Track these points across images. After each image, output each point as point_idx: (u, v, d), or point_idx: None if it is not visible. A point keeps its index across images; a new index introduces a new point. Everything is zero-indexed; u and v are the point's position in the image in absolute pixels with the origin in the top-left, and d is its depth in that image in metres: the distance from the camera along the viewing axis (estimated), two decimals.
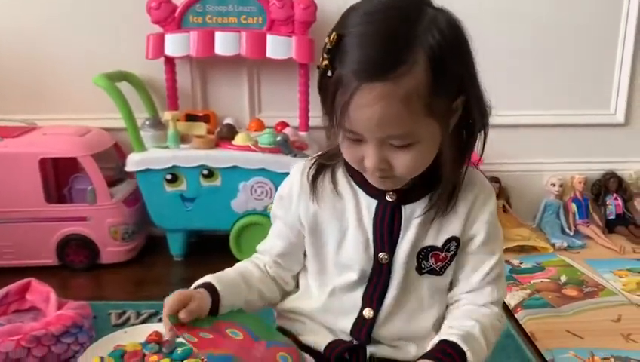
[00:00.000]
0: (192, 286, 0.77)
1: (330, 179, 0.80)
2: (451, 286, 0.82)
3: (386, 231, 0.77)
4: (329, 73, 0.65)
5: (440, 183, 0.75)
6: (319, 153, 0.82)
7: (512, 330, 1.29)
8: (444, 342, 0.73)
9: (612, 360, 1.17)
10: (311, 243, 0.82)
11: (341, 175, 0.80)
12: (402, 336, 0.81)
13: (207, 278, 0.78)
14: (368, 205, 0.78)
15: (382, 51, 0.62)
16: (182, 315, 0.70)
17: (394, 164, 0.69)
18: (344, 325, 0.81)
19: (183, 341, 0.75)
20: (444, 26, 0.65)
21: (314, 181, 0.80)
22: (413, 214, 0.77)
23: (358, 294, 0.80)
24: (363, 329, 0.80)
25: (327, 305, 0.82)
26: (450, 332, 0.75)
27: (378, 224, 0.77)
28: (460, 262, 0.80)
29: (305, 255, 0.85)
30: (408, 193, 0.76)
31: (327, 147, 0.80)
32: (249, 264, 0.86)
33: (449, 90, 0.67)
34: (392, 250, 0.77)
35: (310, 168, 0.81)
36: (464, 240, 0.79)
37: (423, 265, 0.78)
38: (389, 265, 0.78)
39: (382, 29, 0.63)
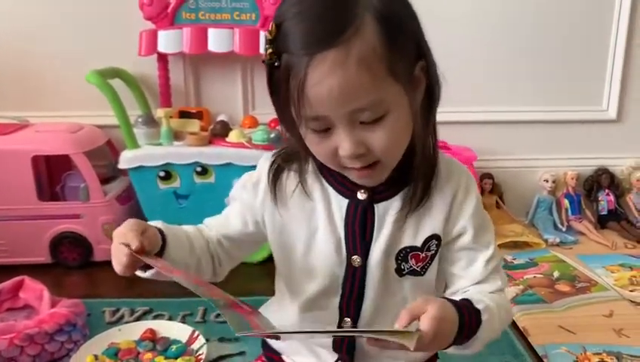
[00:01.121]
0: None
1: (298, 178, 0.74)
2: (448, 283, 0.78)
3: (357, 232, 0.72)
4: (276, 63, 0.61)
5: (410, 171, 0.70)
6: (277, 151, 0.77)
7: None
8: (467, 301, 0.68)
9: (604, 354, 1.18)
10: (277, 245, 0.78)
11: (310, 173, 0.74)
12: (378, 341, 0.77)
13: (158, 224, 0.72)
14: (339, 205, 0.73)
15: (323, 19, 0.59)
16: (144, 241, 0.64)
17: (371, 145, 0.63)
18: (324, 341, 0.77)
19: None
20: None
21: (274, 184, 0.75)
22: (387, 212, 0.72)
23: (333, 304, 0.76)
24: (344, 342, 0.76)
25: (302, 320, 0.77)
26: (474, 298, 0.70)
27: (350, 224, 0.73)
28: (452, 258, 0.75)
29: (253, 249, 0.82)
30: (381, 190, 0.72)
31: (284, 145, 0.76)
32: (196, 230, 0.79)
33: (407, 49, 0.63)
34: (365, 252, 0.73)
35: (269, 170, 0.76)
36: (449, 238, 0.74)
37: (402, 267, 0.74)
38: (363, 268, 0.73)
39: (316, 1, 0.60)
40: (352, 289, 0.75)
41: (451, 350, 0.67)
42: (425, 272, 0.75)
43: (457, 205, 0.73)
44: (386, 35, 0.60)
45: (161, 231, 0.70)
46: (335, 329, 0.77)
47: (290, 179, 0.75)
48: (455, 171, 0.74)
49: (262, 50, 1.58)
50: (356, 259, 0.73)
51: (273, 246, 0.79)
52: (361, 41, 0.58)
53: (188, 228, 0.78)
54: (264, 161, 0.78)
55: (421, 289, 0.76)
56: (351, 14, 0.59)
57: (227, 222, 0.80)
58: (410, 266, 0.74)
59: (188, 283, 0.63)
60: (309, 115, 0.62)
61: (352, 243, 0.73)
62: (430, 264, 0.74)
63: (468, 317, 0.66)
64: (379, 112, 0.62)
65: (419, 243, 0.73)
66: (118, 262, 0.65)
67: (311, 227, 0.74)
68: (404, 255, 0.73)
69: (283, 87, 0.61)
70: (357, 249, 0.73)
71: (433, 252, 0.74)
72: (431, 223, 0.73)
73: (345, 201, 0.73)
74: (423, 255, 0.74)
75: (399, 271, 0.74)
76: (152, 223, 0.71)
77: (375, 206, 0.72)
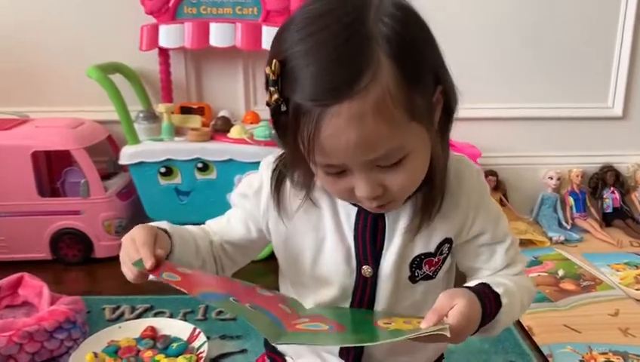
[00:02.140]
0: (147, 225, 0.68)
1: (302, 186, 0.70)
2: (468, 275, 0.76)
3: (368, 241, 0.69)
4: (282, 108, 0.55)
5: (424, 183, 0.65)
6: (279, 156, 0.71)
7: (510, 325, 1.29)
8: (486, 286, 0.67)
9: (610, 354, 1.16)
10: (282, 254, 0.75)
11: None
12: (394, 350, 0.75)
13: (164, 225, 0.69)
14: (347, 213, 0.70)
15: (336, 64, 0.53)
16: (159, 252, 0.61)
17: (389, 187, 0.60)
18: (331, 347, 0.75)
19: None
20: (394, 9, 0.56)
21: (277, 191, 0.71)
22: (397, 220, 0.69)
23: None
24: (352, 350, 0.74)
25: None
26: (493, 281, 0.68)
27: (360, 234, 0.69)
28: (471, 255, 0.74)
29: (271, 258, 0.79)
30: None
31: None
32: (201, 232, 0.76)
33: (426, 83, 0.58)
34: (376, 262, 0.70)
35: (272, 177, 0.71)
36: (465, 239, 0.72)
37: (416, 274, 0.71)
38: (374, 277, 0.70)
39: (326, 39, 0.54)
40: (362, 298, 0.72)
41: (475, 335, 0.66)
42: (436, 275, 0.73)
43: (473, 209, 0.70)
44: (404, 76, 0.55)
45: (167, 233, 0.67)
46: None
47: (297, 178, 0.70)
48: (465, 171, 0.71)
49: (264, 46, 1.58)
50: (367, 269, 0.70)
51: (278, 254, 0.76)
52: (379, 88, 0.53)
53: (193, 228, 0.75)
54: (266, 166, 0.74)
55: (432, 292, 0.74)
56: (364, 54, 0.53)
57: (229, 227, 0.77)
58: (424, 272, 0.72)
59: (213, 296, 0.60)
60: (322, 163, 0.58)
61: (363, 252, 0.70)
62: (442, 266, 0.73)
63: (488, 302, 0.65)
64: (398, 157, 0.58)
65: (432, 248, 0.71)
66: (129, 273, 0.63)
67: (318, 236, 0.71)
68: (418, 262, 0.71)
69: (291, 132, 0.57)
70: (368, 259, 0.70)
71: (445, 255, 0.72)
72: (443, 228, 0.70)
73: (354, 209, 0.69)
74: (436, 259, 0.72)
75: (413, 279, 0.72)
76: (157, 224, 0.68)
77: (385, 214, 0.69)
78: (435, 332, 0.57)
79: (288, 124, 0.57)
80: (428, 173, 0.64)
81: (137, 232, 0.63)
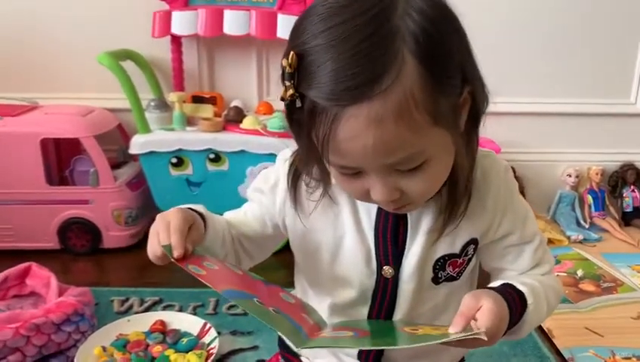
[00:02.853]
0: (185, 207, 0.65)
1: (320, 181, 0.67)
2: (493, 275, 0.73)
3: (389, 241, 0.66)
4: (298, 103, 0.52)
5: (449, 182, 0.62)
6: (295, 151, 0.67)
7: (536, 325, 1.25)
8: (509, 286, 0.64)
9: (634, 359, 1.12)
10: (300, 251, 0.72)
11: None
12: (415, 354, 0.72)
13: (201, 210, 0.66)
14: (367, 209, 0.66)
15: (356, 62, 0.49)
16: (189, 246, 0.59)
17: (408, 191, 0.56)
18: (349, 350, 0.72)
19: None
20: (424, 3, 0.52)
21: (294, 188, 0.68)
22: (420, 220, 0.65)
23: (362, 314, 0.70)
24: (371, 353, 0.71)
25: (328, 323, 0.72)
26: (517, 280, 0.65)
27: (381, 233, 0.66)
28: (498, 255, 0.70)
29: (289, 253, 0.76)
30: None
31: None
32: (225, 223, 0.72)
33: (453, 85, 0.54)
34: (397, 263, 0.67)
35: (288, 173, 0.68)
36: (492, 239, 0.68)
37: (440, 275, 0.68)
38: (395, 279, 0.67)
39: (349, 33, 0.49)
40: (382, 300, 0.69)
41: (502, 337, 0.63)
42: (460, 276, 0.70)
43: (500, 209, 0.66)
44: (429, 78, 0.50)
45: (203, 218, 0.65)
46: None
47: (312, 182, 0.67)
48: (493, 169, 0.67)
49: (279, 34, 1.54)
50: (388, 270, 0.67)
51: (295, 251, 0.73)
52: (401, 90, 0.49)
53: (220, 219, 0.72)
54: (282, 161, 0.71)
55: (455, 294, 0.71)
56: (388, 52, 0.49)
57: (246, 221, 0.74)
58: (448, 273, 0.68)
59: (237, 294, 0.58)
60: (337, 163, 0.55)
61: (384, 253, 0.67)
62: (466, 268, 0.69)
63: (513, 303, 0.62)
64: (418, 161, 0.54)
65: (457, 249, 0.67)
66: (153, 253, 0.60)
67: (336, 234, 0.68)
68: (442, 263, 0.67)
69: (306, 129, 0.54)
70: (389, 260, 0.67)
71: (470, 256, 0.69)
72: (469, 228, 0.66)
73: (374, 207, 0.66)
74: (461, 260, 0.68)
75: (436, 280, 0.68)
76: (195, 207, 0.66)
77: (408, 213, 0.65)
78: (471, 336, 0.54)
79: (303, 121, 0.53)
80: (452, 175, 0.60)
81: (174, 216, 0.61)
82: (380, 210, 0.66)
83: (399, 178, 0.55)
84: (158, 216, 0.62)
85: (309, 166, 0.63)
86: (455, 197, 0.63)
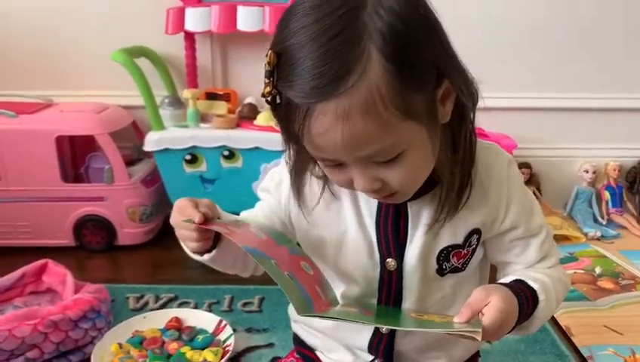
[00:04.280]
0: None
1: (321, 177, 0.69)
2: (499, 268, 0.74)
3: (391, 233, 0.67)
4: (277, 100, 0.54)
5: (448, 174, 0.63)
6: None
7: (547, 324, 1.23)
8: (521, 283, 0.65)
9: None
10: (305, 246, 0.73)
11: None
12: (427, 346, 0.73)
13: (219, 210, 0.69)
14: (369, 204, 0.68)
15: (324, 60, 0.50)
16: (202, 209, 0.62)
17: (388, 181, 0.58)
18: (360, 342, 0.73)
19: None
20: (393, 1, 0.52)
21: (297, 184, 0.69)
22: (421, 211, 0.66)
23: (371, 306, 0.71)
24: (381, 345, 0.72)
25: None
26: (528, 276, 0.66)
27: (382, 226, 0.68)
28: (504, 248, 0.71)
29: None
30: None
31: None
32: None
33: (425, 80, 0.54)
34: (400, 255, 0.68)
35: (290, 170, 0.70)
36: (497, 232, 0.69)
37: (444, 266, 0.69)
38: (399, 271, 0.68)
39: (318, 31, 0.51)
40: (389, 292, 0.70)
41: (511, 333, 0.64)
42: (465, 267, 0.70)
43: (504, 201, 0.67)
44: (397, 75, 0.51)
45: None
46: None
47: (313, 178, 0.69)
48: (494, 161, 0.68)
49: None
50: (391, 263, 0.68)
51: (303, 247, 0.75)
52: (366, 87, 0.51)
53: (235, 217, 0.74)
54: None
55: (462, 285, 0.72)
56: (356, 52, 0.50)
57: (258, 220, 0.75)
58: (452, 264, 0.69)
59: (256, 252, 0.60)
60: (317, 156, 0.58)
61: (386, 246, 0.68)
62: (471, 258, 0.70)
63: (525, 299, 0.63)
64: (393, 154, 0.56)
65: (460, 240, 0.68)
66: (189, 240, 0.64)
67: (339, 229, 0.70)
68: (445, 254, 0.68)
69: (285, 124, 0.57)
70: (391, 252, 0.68)
71: (474, 246, 0.69)
72: (471, 218, 0.67)
73: (375, 201, 0.67)
74: (465, 251, 0.69)
75: (440, 272, 0.69)
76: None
77: (408, 204, 0.66)
78: (467, 333, 0.56)
79: (282, 117, 0.56)
80: (446, 166, 0.62)
81: (176, 204, 0.65)
82: (380, 203, 0.67)
83: (378, 169, 0.57)
84: (175, 204, 0.66)
85: (306, 160, 0.65)
86: (452, 188, 0.64)
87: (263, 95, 0.55)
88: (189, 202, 0.64)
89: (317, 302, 0.61)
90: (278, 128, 0.60)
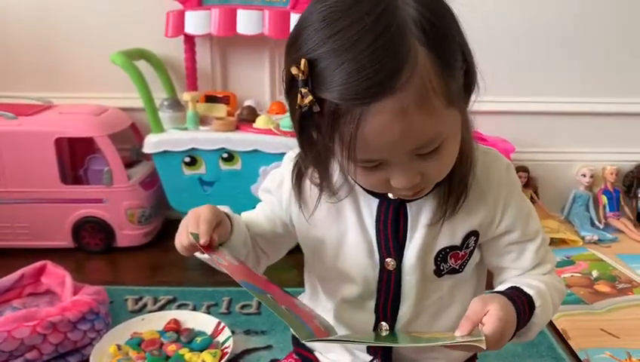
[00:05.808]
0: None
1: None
2: (495, 273, 0.75)
3: (390, 233, 0.68)
4: (315, 108, 0.53)
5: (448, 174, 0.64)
6: (298, 153, 0.69)
7: (544, 327, 1.24)
8: (517, 290, 0.66)
9: None
10: (306, 247, 0.75)
11: (335, 171, 0.68)
12: (427, 348, 0.74)
13: (227, 210, 0.69)
14: (369, 204, 0.69)
15: (374, 60, 0.51)
16: (215, 237, 0.62)
17: (427, 173, 0.59)
18: (360, 345, 0.74)
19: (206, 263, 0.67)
20: None
21: (298, 185, 0.70)
22: (420, 212, 0.68)
23: (369, 307, 0.73)
24: (381, 347, 0.74)
25: (338, 319, 0.75)
26: (524, 283, 0.68)
27: (382, 226, 0.68)
28: (500, 253, 0.72)
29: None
30: None
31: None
32: (244, 223, 0.75)
33: (457, 66, 0.56)
34: (399, 255, 0.69)
35: (293, 170, 0.70)
36: (493, 236, 0.70)
37: (442, 267, 0.70)
38: (398, 271, 0.69)
39: (360, 34, 0.51)
40: (387, 292, 0.71)
41: (512, 340, 0.65)
42: (463, 269, 0.71)
43: (501, 204, 0.69)
44: (439, 63, 0.53)
45: (229, 218, 0.68)
46: (389, 339, 0.73)
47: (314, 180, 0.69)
48: (493, 164, 0.69)
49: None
50: (390, 262, 0.69)
51: (303, 248, 0.76)
52: (419, 80, 0.52)
53: (241, 220, 0.75)
54: (288, 161, 0.74)
55: (459, 287, 0.73)
56: (402, 48, 0.51)
57: (258, 222, 0.77)
58: (450, 266, 0.70)
59: (253, 287, 0.61)
60: (362, 158, 0.57)
61: (385, 245, 0.69)
62: (468, 260, 0.71)
63: (522, 306, 0.64)
64: (437, 143, 0.57)
65: (458, 241, 0.69)
66: (180, 243, 0.64)
67: (339, 229, 0.70)
68: (443, 255, 0.69)
69: (326, 133, 0.55)
70: (390, 252, 0.69)
71: (472, 248, 0.70)
72: (469, 220, 0.68)
73: (375, 201, 0.68)
74: (462, 253, 0.70)
75: (438, 272, 0.70)
76: (222, 208, 0.69)
77: (407, 205, 0.68)
78: (471, 343, 0.56)
79: (322, 125, 0.55)
80: (452, 168, 0.63)
81: (204, 210, 0.64)
82: (380, 203, 0.68)
83: (419, 162, 0.58)
84: (190, 211, 0.65)
85: (318, 166, 0.65)
86: (453, 185, 0.65)
87: (300, 106, 0.54)
88: (212, 219, 0.63)
89: (317, 332, 0.62)
90: (302, 139, 0.60)
